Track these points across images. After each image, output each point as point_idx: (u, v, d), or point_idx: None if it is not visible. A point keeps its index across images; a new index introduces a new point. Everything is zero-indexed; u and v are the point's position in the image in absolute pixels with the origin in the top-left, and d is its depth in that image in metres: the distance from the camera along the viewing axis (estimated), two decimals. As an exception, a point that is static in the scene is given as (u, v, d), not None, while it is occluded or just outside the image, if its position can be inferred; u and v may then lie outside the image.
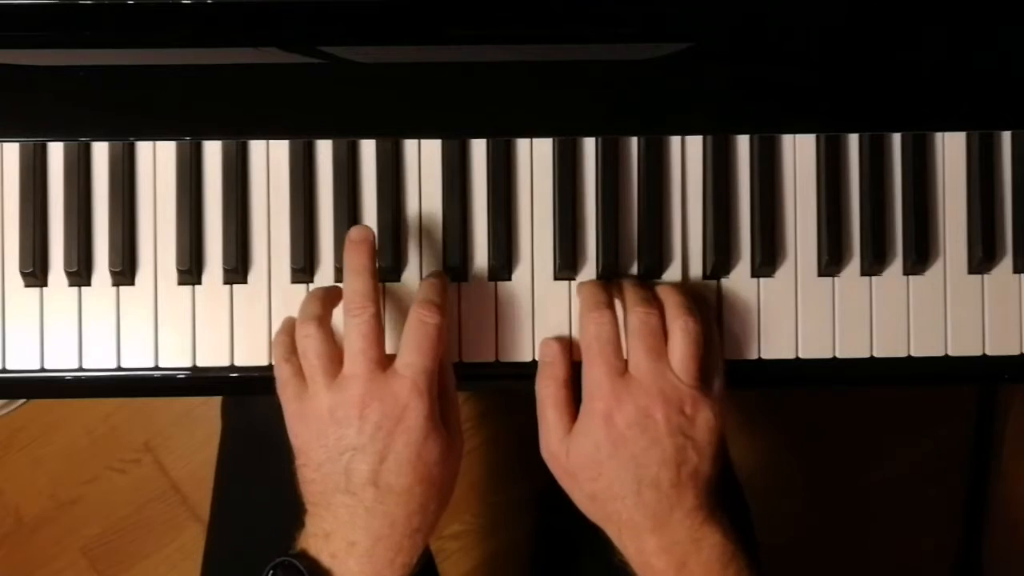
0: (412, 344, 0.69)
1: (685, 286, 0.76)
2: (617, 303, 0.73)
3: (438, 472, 0.69)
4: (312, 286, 0.76)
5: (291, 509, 0.72)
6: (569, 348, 0.74)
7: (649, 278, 0.76)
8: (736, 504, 0.92)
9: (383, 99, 0.75)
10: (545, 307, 0.76)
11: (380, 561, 0.68)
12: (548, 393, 0.72)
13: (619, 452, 0.69)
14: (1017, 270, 0.77)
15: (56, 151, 0.76)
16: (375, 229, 0.75)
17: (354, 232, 0.71)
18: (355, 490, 0.68)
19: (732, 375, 0.74)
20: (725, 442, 0.72)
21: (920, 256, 0.76)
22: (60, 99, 0.75)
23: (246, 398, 0.93)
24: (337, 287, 0.74)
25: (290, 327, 0.73)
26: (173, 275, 0.76)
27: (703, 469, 0.69)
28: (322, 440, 0.68)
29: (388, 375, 0.68)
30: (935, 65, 0.76)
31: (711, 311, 0.76)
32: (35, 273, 0.75)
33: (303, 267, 0.75)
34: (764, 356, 0.76)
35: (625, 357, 0.71)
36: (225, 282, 0.76)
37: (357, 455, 0.67)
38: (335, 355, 0.69)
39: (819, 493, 1.50)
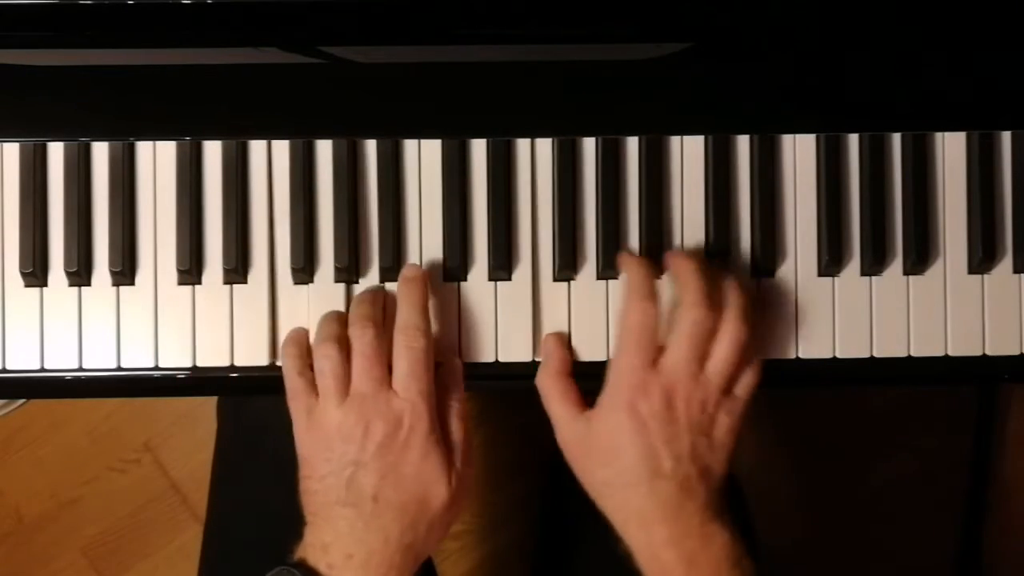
0: (404, 370, 0.71)
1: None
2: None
3: (436, 491, 0.70)
4: (312, 286, 0.76)
5: (287, 509, 0.72)
6: (567, 341, 0.75)
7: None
8: (741, 511, 0.92)
9: (383, 99, 0.75)
10: (545, 307, 0.76)
11: (374, 575, 0.69)
12: (547, 386, 0.74)
13: (638, 440, 0.69)
14: (1017, 270, 0.77)
15: (56, 151, 0.76)
16: (375, 229, 0.75)
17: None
18: (356, 503, 0.69)
19: (732, 375, 0.74)
20: (736, 448, 0.73)
21: (920, 256, 0.76)
22: (60, 99, 0.75)
23: (241, 399, 0.93)
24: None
25: (299, 339, 0.74)
26: (173, 275, 0.76)
27: (716, 469, 0.70)
28: (328, 454, 0.70)
29: (391, 394, 0.70)
30: (935, 65, 0.76)
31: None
32: (35, 273, 0.75)
33: (303, 267, 0.75)
34: (764, 356, 0.76)
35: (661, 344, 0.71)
36: (225, 282, 0.76)
37: (360, 470, 0.69)
38: (349, 376, 0.71)
39: (819, 494, 1.50)
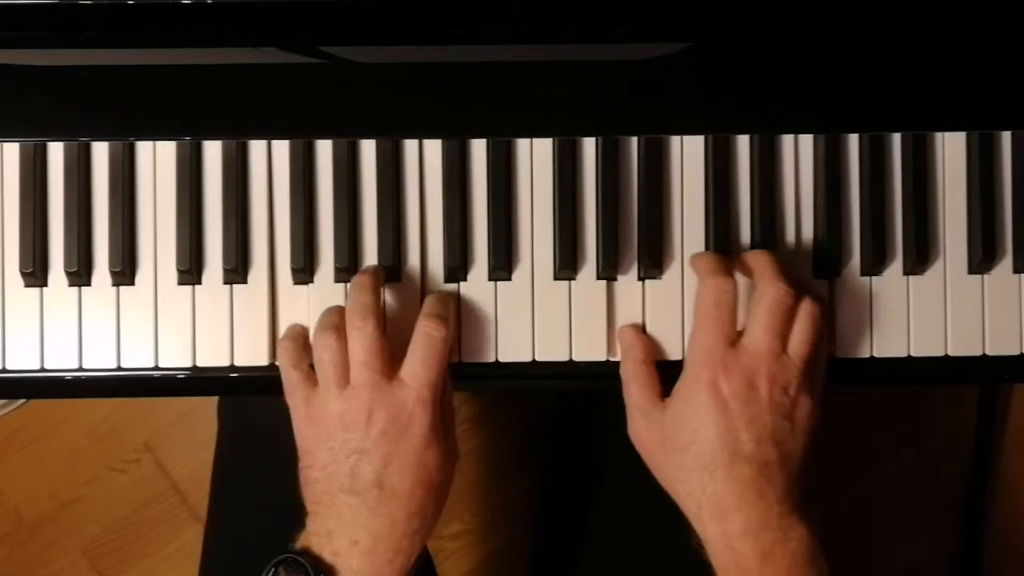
0: (418, 356, 0.70)
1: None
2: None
3: (437, 477, 0.70)
4: (312, 286, 0.76)
5: (288, 508, 0.72)
6: (644, 332, 0.75)
7: (649, 278, 0.76)
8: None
9: (383, 99, 0.75)
10: (545, 307, 0.76)
11: (380, 560, 0.69)
12: (631, 374, 0.73)
13: (718, 421, 0.68)
14: (1017, 270, 0.77)
15: (56, 151, 0.76)
16: (375, 229, 0.76)
17: (363, 269, 0.75)
18: (359, 491, 0.69)
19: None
20: (817, 437, 0.71)
21: (920, 256, 0.76)
22: (60, 99, 0.75)
23: (242, 398, 0.93)
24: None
25: (295, 334, 0.74)
26: (173, 275, 0.76)
27: (796, 456, 0.69)
28: (329, 443, 0.70)
29: (394, 384, 0.70)
30: (935, 65, 0.76)
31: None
32: (35, 273, 0.75)
33: (303, 267, 0.75)
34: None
35: (740, 328, 0.71)
36: (225, 282, 0.76)
37: (363, 458, 0.69)
38: (348, 365, 0.71)
39: (819, 493, 1.50)
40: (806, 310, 0.70)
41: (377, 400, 0.69)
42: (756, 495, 0.67)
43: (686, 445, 0.69)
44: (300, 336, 0.74)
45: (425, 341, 0.70)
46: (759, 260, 0.73)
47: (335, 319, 0.72)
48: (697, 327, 0.71)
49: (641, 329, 0.75)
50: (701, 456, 0.68)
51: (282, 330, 0.76)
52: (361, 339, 0.70)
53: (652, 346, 0.75)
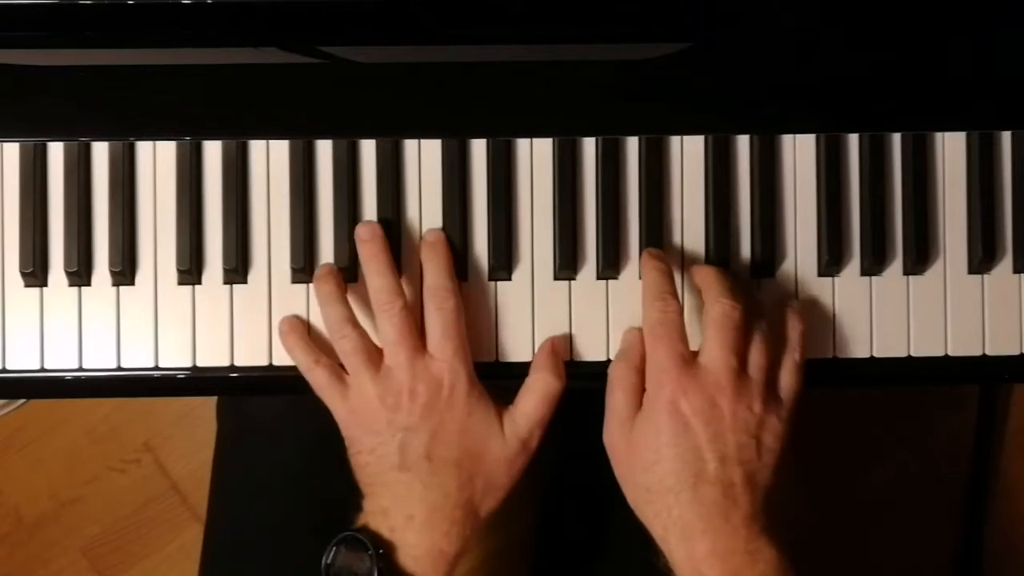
0: (437, 331, 0.71)
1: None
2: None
3: (485, 449, 0.71)
4: (312, 286, 0.76)
5: (288, 509, 0.72)
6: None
7: (649, 278, 0.76)
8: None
9: (383, 99, 0.75)
10: (545, 307, 0.76)
11: (437, 532, 0.70)
12: (619, 375, 0.72)
13: (681, 442, 0.67)
14: (1017, 270, 0.77)
15: (56, 151, 0.76)
16: (375, 229, 0.76)
17: (362, 231, 0.73)
18: (411, 466, 0.70)
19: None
20: (787, 456, 0.70)
21: (920, 256, 0.76)
22: (60, 99, 0.75)
23: (242, 398, 0.93)
24: (340, 281, 0.74)
25: (296, 328, 0.74)
26: (173, 275, 0.76)
27: (763, 476, 0.68)
28: (375, 427, 0.71)
29: (428, 359, 0.71)
30: (935, 65, 0.76)
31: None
32: (35, 273, 0.75)
33: (303, 267, 0.75)
34: (764, 356, 0.76)
35: (695, 349, 0.70)
36: (225, 282, 0.76)
37: (410, 434, 0.70)
38: (373, 348, 0.72)
39: (819, 494, 1.50)
40: (757, 325, 0.70)
41: (416, 376, 0.70)
42: (721, 518, 0.67)
43: (650, 466, 0.68)
44: (299, 329, 0.74)
45: (439, 315, 0.71)
46: (704, 277, 0.72)
47: (342, 311, 0.72)
48: (647, 348, 0.71)
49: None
50: (665, 478, 0.68)
51: (282, 330, 0.76)
52: (391, 319, 0.71)
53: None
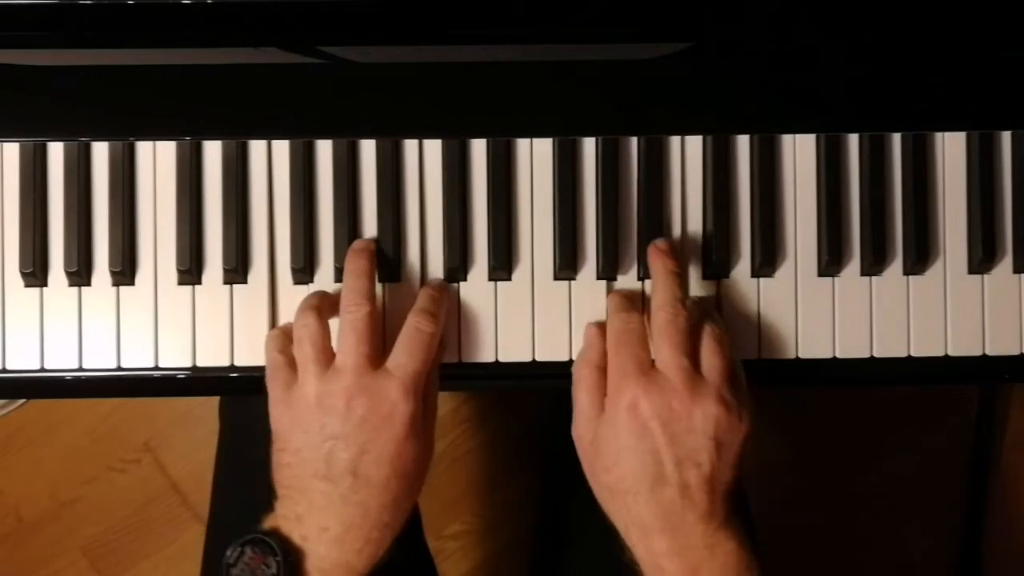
0: (405, 348, 0.70)
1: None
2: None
3: (414, 470, 0.70)
4: (312, 286, 0.76)
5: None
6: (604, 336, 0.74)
7: (649, 279, 0.76)
8: (742, 511, 0.92)
9: (383, 99, 0.75)
10: (545, 307, 0.76)
11: (349, 549, 0.68)
12: (582, 375, 0.72)
13: (639, 444, 0.68)
14: (1017, 270, 0.77)
15: (56, 151, 0.76)
16: (375, 229, 0.76)
17: (357, 243, 0.74)
18: (333, 477, 0.69)
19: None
20: (745, 451, 0.71)
21: (920, 256, 0.76)
22: (60, 99, 0.75)
23: (242, 398, 0.93)
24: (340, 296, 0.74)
25: (285, 327, 0.74)
26: (173, 275, 0.76)
27: (721, 475, 0.69)
28: (305, 426, 0.69)
29: (379, 373, 0.69)
30: (935, 65, 0.76)
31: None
32: (35, 273, 0.75)
33: (303, 267, 0.75)
34: (764, 356, 0.76)
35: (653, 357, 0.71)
36: (225, 282, 0.76)
37: (339, 444, 0.69)
38: (329, 347, 0.71)
39: (819, 493, 1.50)
40: (708, 331, 0.71)
41: (360, 385, 0.69)
42: (678, 518, 0.68)
43: (610, 466, 0.70)
44: (289, 329, 0.74)
45: (413, 335, 0.70)
46: (657, 275, 0.73)
47: (315, 301, 0.72)
48: (609, 354, 0.71)
49: (603, 331, 0.74)
50: (624, 478, 0.69)
51: (282, 330, 0.76)
52: (353, 322, 0.70)
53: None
